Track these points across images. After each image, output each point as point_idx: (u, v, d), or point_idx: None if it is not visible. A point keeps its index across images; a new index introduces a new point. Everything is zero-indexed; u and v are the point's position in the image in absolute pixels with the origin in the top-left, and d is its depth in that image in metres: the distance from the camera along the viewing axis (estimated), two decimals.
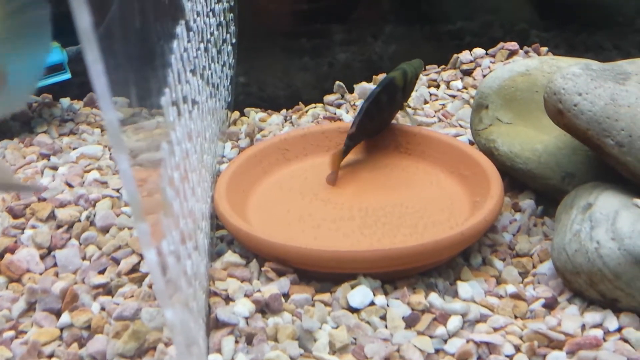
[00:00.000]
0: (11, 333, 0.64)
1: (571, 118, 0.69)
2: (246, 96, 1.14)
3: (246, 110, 1.09)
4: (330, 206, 0.81)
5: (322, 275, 0.69)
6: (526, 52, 1.13)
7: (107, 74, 0.23)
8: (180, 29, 0.59)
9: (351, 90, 1.12)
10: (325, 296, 0.67)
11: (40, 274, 0.71)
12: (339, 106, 1.08)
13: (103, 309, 0.66)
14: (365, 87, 1.10)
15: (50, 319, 0.65)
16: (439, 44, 1.22)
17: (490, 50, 1.14)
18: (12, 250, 0.72)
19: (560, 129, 0.73)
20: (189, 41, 0.64)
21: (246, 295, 0.66)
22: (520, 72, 0.86)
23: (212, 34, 0.82)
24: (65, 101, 1.09)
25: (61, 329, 0.64)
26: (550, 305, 0.66)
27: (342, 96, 1.11)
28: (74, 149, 0.95)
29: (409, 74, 0.88)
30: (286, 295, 0.67)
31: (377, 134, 0.90)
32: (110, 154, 0.94)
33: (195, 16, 0.70)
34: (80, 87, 1.10)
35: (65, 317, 0.64)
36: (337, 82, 1.11)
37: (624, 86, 0.69)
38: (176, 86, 0.52)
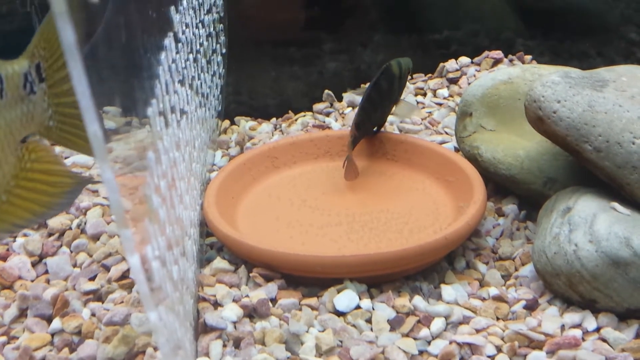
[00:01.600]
0: (3, 339, 0.65)
1: (550, 124, 0.71)
2: (236, 105, 1.15)
3: (236, 119, 1.10)
4: (318, 213, 0.82)
5: (309, 280, 0.71)
6: (511, 61, 1.15)
7: (92, 87, 0.24)
8: (168, 41, 0.61)
9: (340, 99, 1.14)
10: (312, 300, 0.68)
11: (32, 281, 0.72)
12: (328, 114, 1.10)
13: (93, 314, 0.67)
14: (354, 96, 1.12)
15: (41, 324, 0.66)
16: (426, 53, 1.24)
17: (476, 59, 1.16)
18: (4, 258, 0.74)
19: (541, 135, 0.75)
20: (177, 52, 0.65)
21: (234, 301, 0.67)
22: (503, 80, 0.88)
23: (201, 44, 0.84)
24: None
25: (52, 334, 0.65)
26: (531, 307, 0.67)
27: (331, 104, 1.12)
28: (65, 158, 0.97)
29: (403, 66, 0.89)
30: (274, 300, 0.68)
31: (378, 127, 0.91)
32: None
33: (184, 28, 0.71)
34: None
35: (56, 323, 0.65)
36: (326, 91, 1.13)
37: (601, 93, 0.71)
38: (164, 97, 0.54)
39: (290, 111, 1.12)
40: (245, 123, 1.09)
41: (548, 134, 0.73)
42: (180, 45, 0.68)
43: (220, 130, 1.06)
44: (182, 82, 0.67)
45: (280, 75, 1.23)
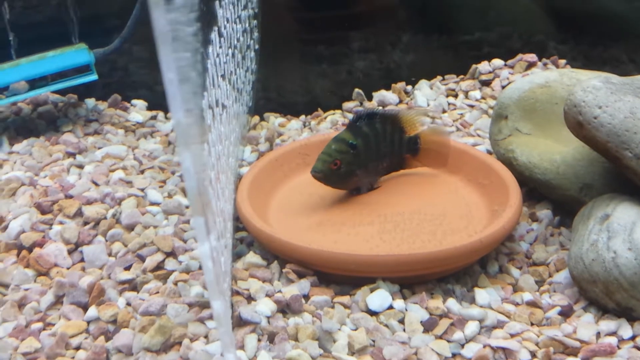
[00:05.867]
0: (39, 325, 0.66)
1: (591, 130, 0.71)
2: (266, 101, 1.16)
3: (266, 115, 1.11)
4: (349, 211, 0.82)
5: (341, 278, 0.71)
6: (544, 64, 1.14)
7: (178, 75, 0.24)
8: (214, 35, 0.61)
9: (370, 98, 1.13)
10: (345, 299, 0.68)
11: (68, 268, 0.73)
12: None
13: (129, 304, 0.67)
14: (384, 95, 1.12)
15: (77, 312, 0.67)
16: (457, 54, 1.23)
17: (509, 62, 1.15)
18: (41, 245, 0.74)
19: (579, 140, 0.74)
20: (220, 47, 0.66)
21: (267, 295, 0.67)
22: (540, 84, 0.87)
23: (238, 40, 0.84)
24: (90, 102, 1.11)
25: (88, 322, 0.66)
26: (565, 313, 0.67)
27: (361, 103, 1.12)
28: (99, 148, 0.98)
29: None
30: (306, 297, 0.68)
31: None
32: (134, 154, 0.96)
33: (225, 22, 0.72)
34: (104, 88, 1.12)
35: (92, 311, 0.66)
36: (356, 90, 1.13)
37: None
38: (210, 90, 0.54)
39: (319, 109, 1.12)
40: (274, 119, 1.09)
41: (587, 140, 0.72)
42: (222, 39, 0.68)
43: (250, 126, 1.06)
44: (223, 77, 0.67)
45: (309, 72, 1.23)
